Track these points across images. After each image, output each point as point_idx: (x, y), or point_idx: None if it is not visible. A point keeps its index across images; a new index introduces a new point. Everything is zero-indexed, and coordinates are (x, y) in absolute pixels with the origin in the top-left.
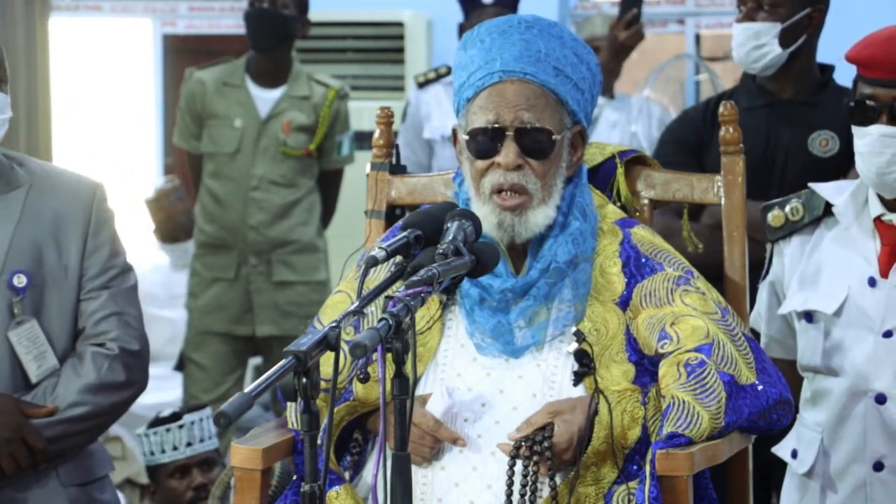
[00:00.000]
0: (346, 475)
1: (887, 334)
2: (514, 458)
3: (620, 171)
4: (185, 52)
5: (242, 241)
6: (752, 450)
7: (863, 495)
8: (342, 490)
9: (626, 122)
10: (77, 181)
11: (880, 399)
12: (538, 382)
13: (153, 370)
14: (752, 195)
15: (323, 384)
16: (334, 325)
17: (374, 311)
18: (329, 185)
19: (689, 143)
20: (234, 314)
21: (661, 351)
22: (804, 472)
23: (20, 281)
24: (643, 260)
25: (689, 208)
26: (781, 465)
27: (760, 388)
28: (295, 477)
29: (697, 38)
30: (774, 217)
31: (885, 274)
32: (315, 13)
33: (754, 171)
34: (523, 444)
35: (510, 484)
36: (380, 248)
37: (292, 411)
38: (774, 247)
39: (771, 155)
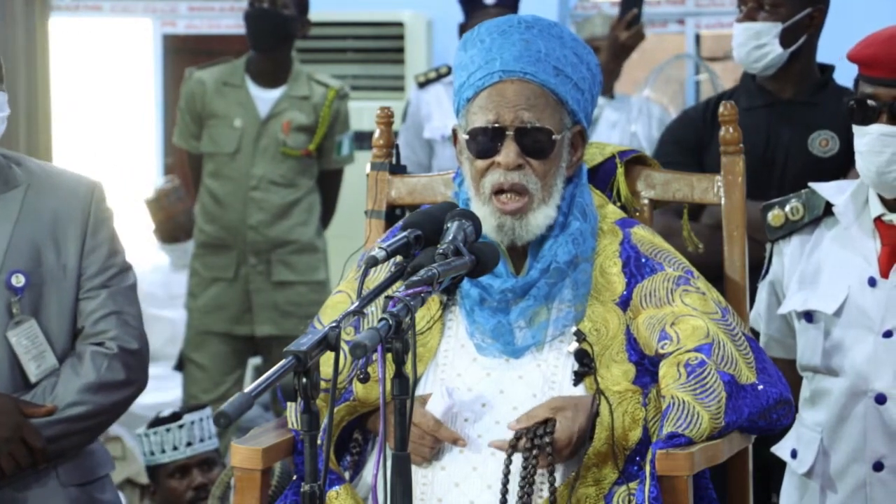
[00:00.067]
0: (346, 475)
1: (887, 334)
2: (513, 446)
3: (620, 171)
4: (185, 52)
5: (242, 240)
6: (752, 450)
7: (862, 495)
8: (342, 490)
9: (626, 122)
10: (75, 180)
11: (880, 399)
12: (538, 382)
13: (153, 370)
14: (752, 195)
15: (323, 384)
16: (334, 325)
17: (374, 311)
18: (329, 185)
19: (689, 143)
20: (233, 314)
21: (661, 351)
22: (804, 472)
23: (18, 281)
24: (643, 260)
25: (689, 208)
26: (781, 465)
27: (761, 387)
28: (295, 477)
29: (697, 38)
30: (774, 217)
31: (885, 274)
32: (315, 13)
33: (754, 171)
34: (524, 435)
35: (507, 473)
36: (380, 248)
37: (292, 411)
38: (774, 246)
39: (771, 155)
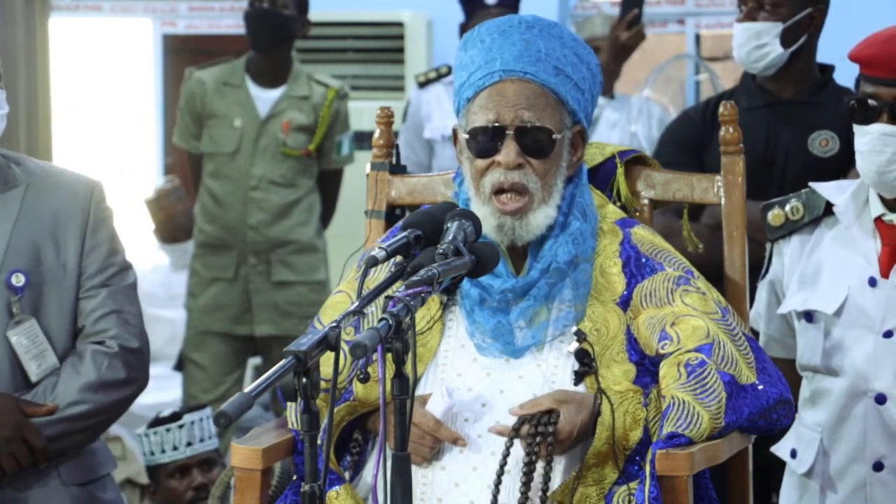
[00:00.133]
0: (346, 475)
1: (887, 334)
2: (516, 430)
3: (620, 171)
4: (185, 52)
5: (242, 240)
6: (752, 450)
7: (862, 495)
8: (342, 490)
9: (626, 122)
10: (75, 180)
11: (880, 399)
12: (538, 382)
13: (152, 370)
14: (752, 195)
15: (323, 384)
16: (334, 325)
17: (375, 311)
18: (329, 186)
19: (689, 143)
20: (233, 314)
21: (661, 351)
22: (804, 472)
23: (18, 280)
24: (643, 260)
25: (689, 208)
26: (781, 465)
27: (761, 387)
28: (295, 477)
29: (697, 38)
30: (774, 216)
31: (885, 274)
32: (315, 13)
33: (754, 171)
34: (528, 422)
35: (506, 455)
36: (380, 248)
37: (292, 411)
38: (774, 246)
39: (771, 155)
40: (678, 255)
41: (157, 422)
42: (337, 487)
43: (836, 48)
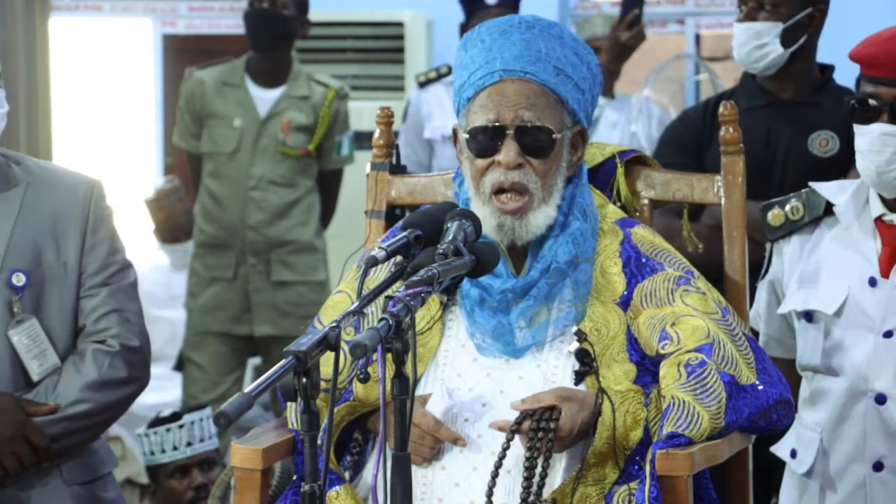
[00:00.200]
0: (346, 475)
1: (887, 334)
2: (518, 423)
3: (620, 171)
4: (185, 52)
5: (241, 240)
6: (752, 450)
7: (862, 495)
8: (342, 490)
9: (626, 122)
10: (75, 179)
11: (880, 399)
12: (539, 383)
13: (152, 371)
14: (752, 195)
15: (323, 384)
16: (334, 325)
17: (375, 311)
18: (329, 186)
19: (689, 143)
20: (232, 314)
21: (661, 352)
22: (803, 472)
23: (19, 280)
24: (643, 260)
25: (689, 208)
26: (781, 465)
27: (761, 388)
28: (295, 477)
29: (697, 38)
30: (774, 216)
31: (885, 274)
32: (315, 13)
33: (754, 171)
34: (530, 417)
35: (505, 448)
36: (380, 248)
37: (292, 411)
38: (774, 246)
39: (771, 155)
40: (678, 255)
41: (157, 422)
42: (337, 487)
43: (836, 48)
